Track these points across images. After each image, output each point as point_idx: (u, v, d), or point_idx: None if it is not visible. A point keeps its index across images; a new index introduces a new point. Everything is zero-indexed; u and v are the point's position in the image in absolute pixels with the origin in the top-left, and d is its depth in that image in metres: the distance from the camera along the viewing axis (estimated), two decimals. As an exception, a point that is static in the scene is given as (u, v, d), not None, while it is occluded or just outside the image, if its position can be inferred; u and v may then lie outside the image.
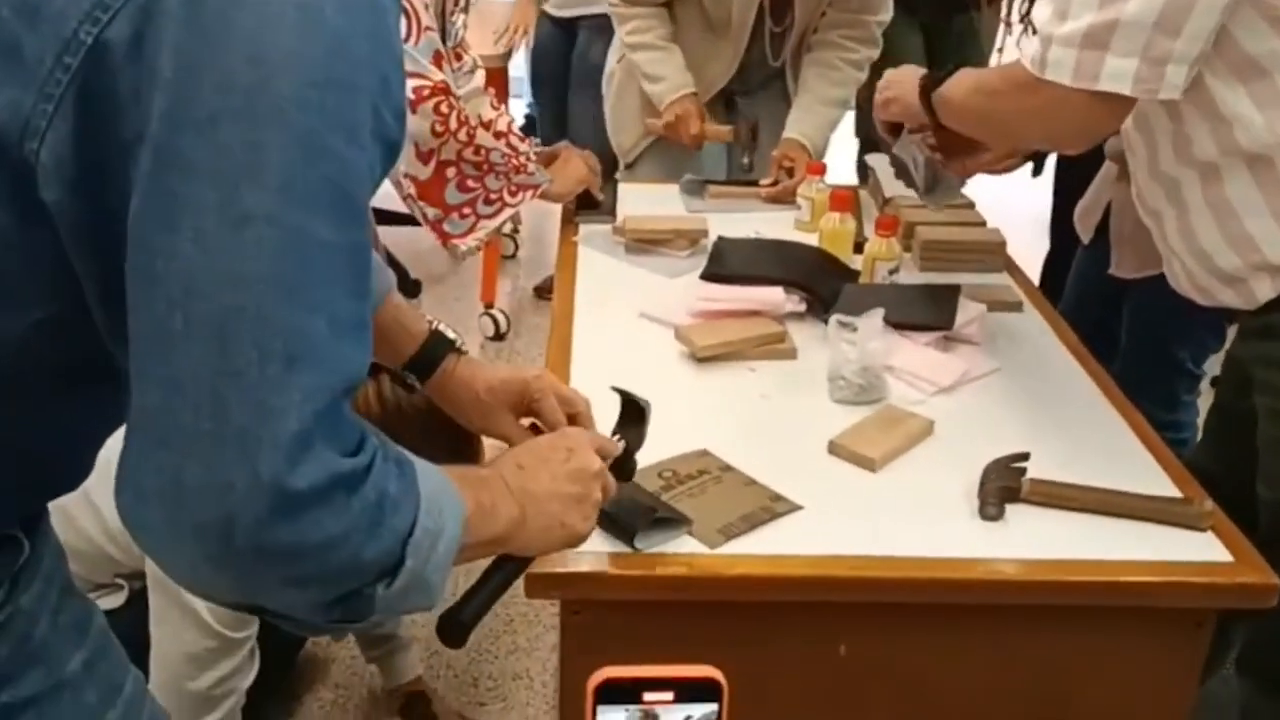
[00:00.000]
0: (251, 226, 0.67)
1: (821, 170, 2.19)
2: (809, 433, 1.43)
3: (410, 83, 1.75)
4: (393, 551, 0.75)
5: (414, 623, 2.10)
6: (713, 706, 0.63)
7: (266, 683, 1.72)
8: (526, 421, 1.19)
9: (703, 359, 1.61)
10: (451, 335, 1.23)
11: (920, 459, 1.41)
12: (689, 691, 0.63)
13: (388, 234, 3.03)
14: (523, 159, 1.95)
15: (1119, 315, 2.22)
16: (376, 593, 0.76)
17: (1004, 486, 1.31)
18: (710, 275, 1.82)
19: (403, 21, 1.74)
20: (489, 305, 3.60)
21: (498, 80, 3.45)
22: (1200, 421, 2.15)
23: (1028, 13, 1.99)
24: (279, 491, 0.68)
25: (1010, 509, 1.30)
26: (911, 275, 1.92)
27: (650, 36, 2.38)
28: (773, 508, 1.28)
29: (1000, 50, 3.25)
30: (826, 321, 1.57)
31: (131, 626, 1.53)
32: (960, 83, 1.51)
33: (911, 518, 1.29)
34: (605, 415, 1.25)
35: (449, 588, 0.84)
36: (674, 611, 1.21)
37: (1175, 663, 1.27)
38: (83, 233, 0.71)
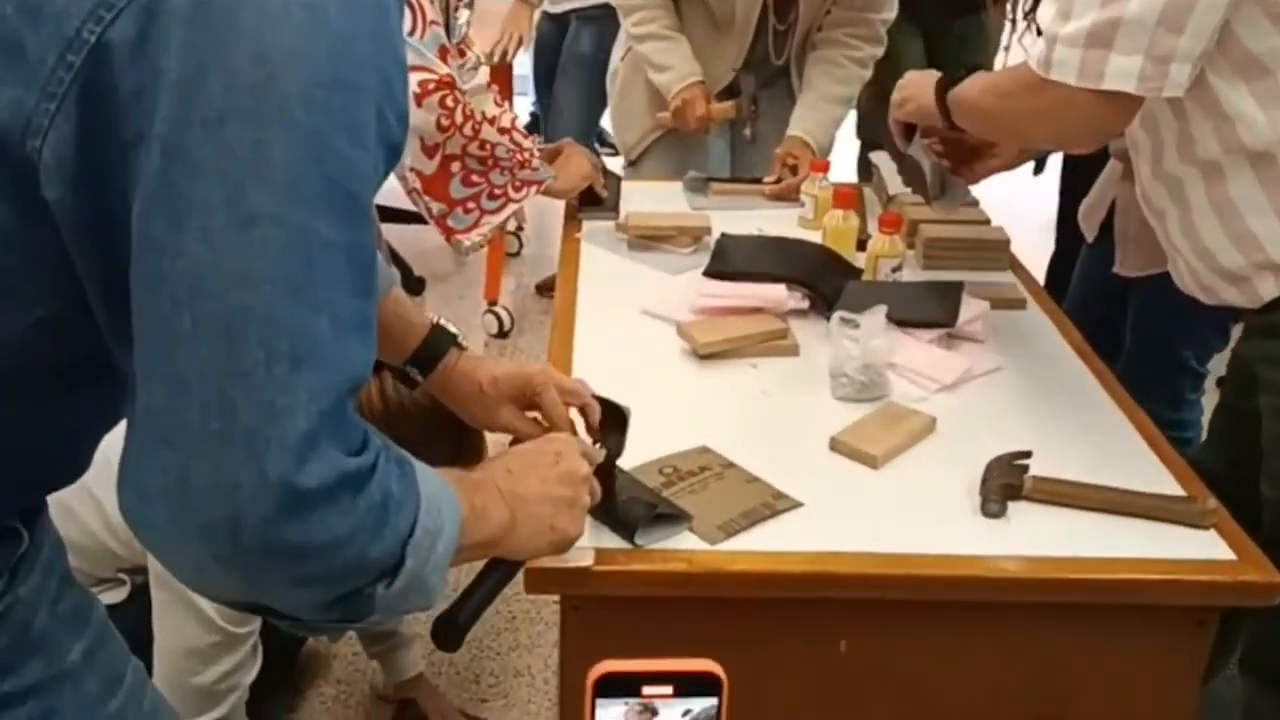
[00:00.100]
0: (258, 226, 0.67)
1: (825, 168, 2.18)
2: (811, 430, 1.43)
3: (416, 76, 1.74)
4: (394, 551, 0.76)
5: (416, 620, 2.09)
6: (712, 701, 0.63)
7: (269, 678, 1.72)
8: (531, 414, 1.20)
9: (705, 356, 1.61)
10: (453, 330, 1.23)
11: (922, 456, 1.41)
12: (688, 685, 0.63)
13: (392, 231, 3.04)
14: (527, 154, 1.95)
15: (1123, 314, 2.22)
16: (377, 592, 0.76)
17: (1006, 484, 1.30)
18: (713, 272, 1.82)
19: (408, 15, 1.74)
20: (493, 303, 3.60)
21: (502, 78, 3.46)
22: (1205, 421, 2.15)
23: (1031, 9, 1.99)
24: (286, 491, 0.68)
25: (1012, 506, 1.29)
26: (915, 273, 1.91)
27: (656, 27, 2.38)
28: (774, 504, 1.28)
29: (1007, 49, 3.24)
30: (829, 319, 1.57)
31: (134, 621, 1.54)
32: (973, 84, 1.52)
33: (913, 515, 1.29)
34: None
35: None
36: (674, 608, 1.21)
37: (1178, 662, 1.27)
38: (84, 231, 0.72)
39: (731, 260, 1.85)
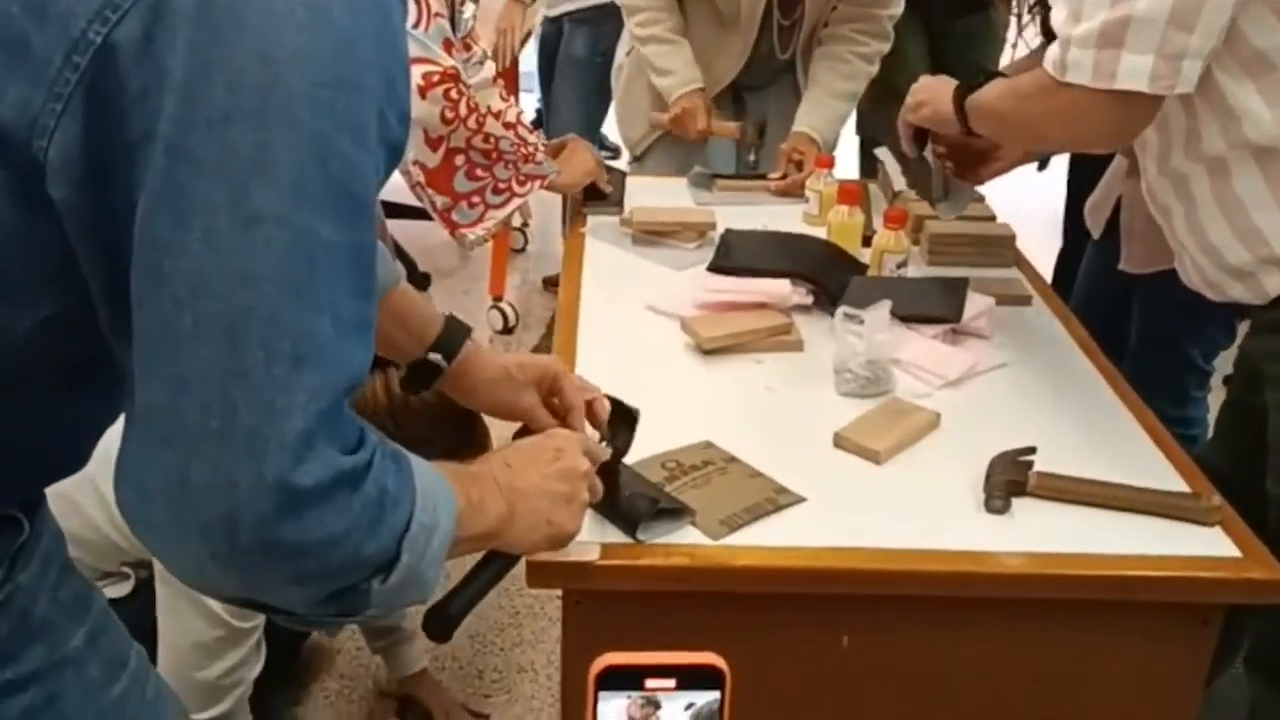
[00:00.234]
0: (261, 226, 0.68)
1: (830, 163, 2.18)
2: (814, 425, 1.43)
3: (420, 69, 1.74)
4: (389, 547, 0.76)
5: (419, 615, 2.10)
6: (715, 694, 0.63)
7: (272, 673, 1.72)
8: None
9: (709, 351, 1.61)
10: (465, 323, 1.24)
11: (926, 452, 1.40)
12: (691, 679, 0.62)
13: (397, 227, 3.04)
14: (531, 149, 1.95)
15: (1129, 311, 2.21)
16: (373, 587, 0.77)
17: (1010, 480, 1.30)
18: (717, 267, 1.82)
19: (412, 7, 1.74)
20: (498, 298, 3.61)
21: (508, 74, 3.46)
22: (1210, 418, 2.14)
23: (1032, 6, 1.98)
24: (284, 490, 0.69)
25: (1016, 503, 1.29)
26: (920, 268, 1.91)
27: (659, 29, 2.38)
28: (776, 499, 1.28)
29: (1014, 46, 3.23)
30: (833, 314, 1.57)
31: (138, 615, 1.54)
32: (990, 89, 1.52)
33: (916, 511, 1.28)
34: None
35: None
36: (676, 602, 1.21)
37: (1182, 659, 1.26)
38: (89, 230, 0.72)
39: (736, 256, 1.85)
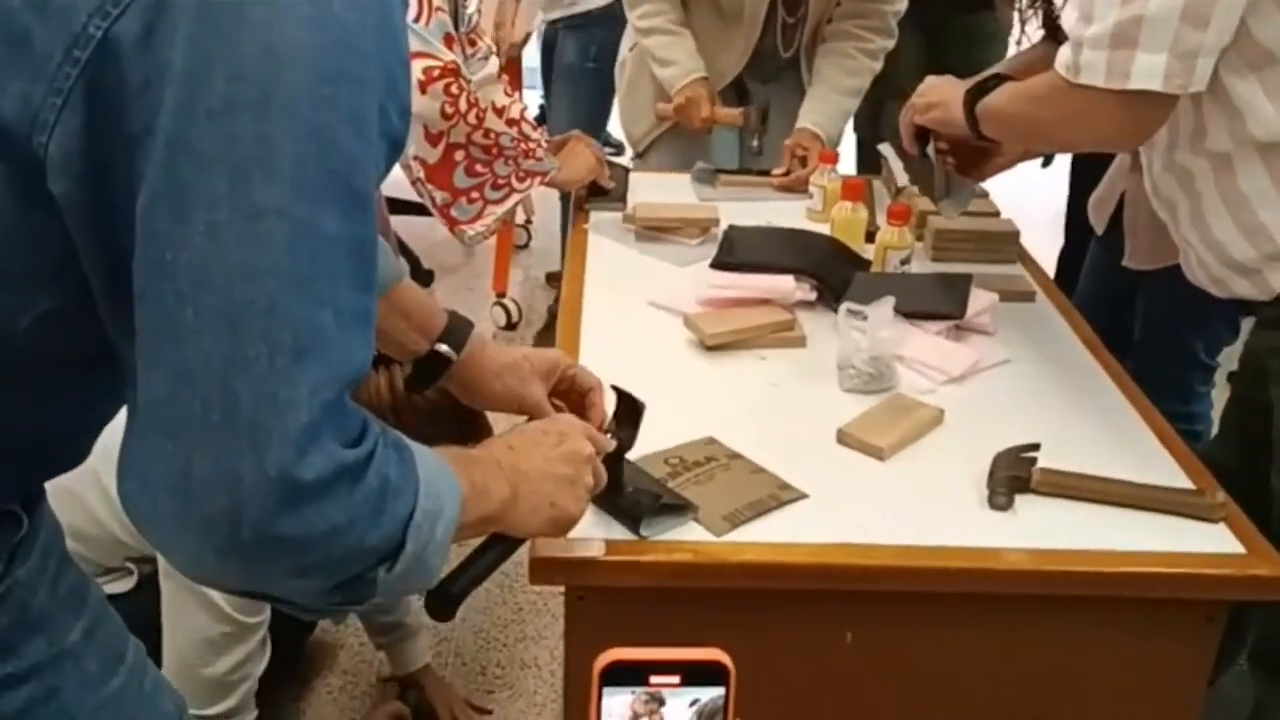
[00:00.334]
0: (263, 219, 0.68)
1: (834, 159, 2.18)
2: (817, 421, 1.42)
3: (420, 63, 1.74)
4: (394, 536, 0.76)
5: (422, 610, 2.10)
6: (720, 690, 0.63)
7: (275, 669, 1.73)
8: None
9: (712, 347, 1.60)
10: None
11: (929, 448, 1.40)
12: (696, 674, 0.62)
13: (401, 224, 3.04)
14: (532, 145, 1.94)
15: (1132, 307, 2.20)
16: (378, 576, 0.77)
17: (1014, 476, 1.30)
18: (720, 263, 1.81)
19: (414, 2, 1.73)
20: (501, 295, 3.61)
21: (511, 70, 3.46)
22: (1214, 414, 2.14)
23: (1031, 3, 1.98)
24: (286, 483, 0.69)
25: (1020, 499, 1.29)
26: (923, 265, 1.91)
27: (661, 20, 2.37)
28: (780, 495, 1.27)
29: (1019, 43, 3.22)
30: (837, 310, 1.56)
31: (141, 611, 1.54)
32: (1001, 93, 1.51)
33: (920, 507, 1.28)
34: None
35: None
36: (679, 598, 1.21)
37: (1186, 656, 1.26)
38: (90, 225, 0.72)
39: (739, 252, 1.84)
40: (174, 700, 1.06)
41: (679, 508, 1.23)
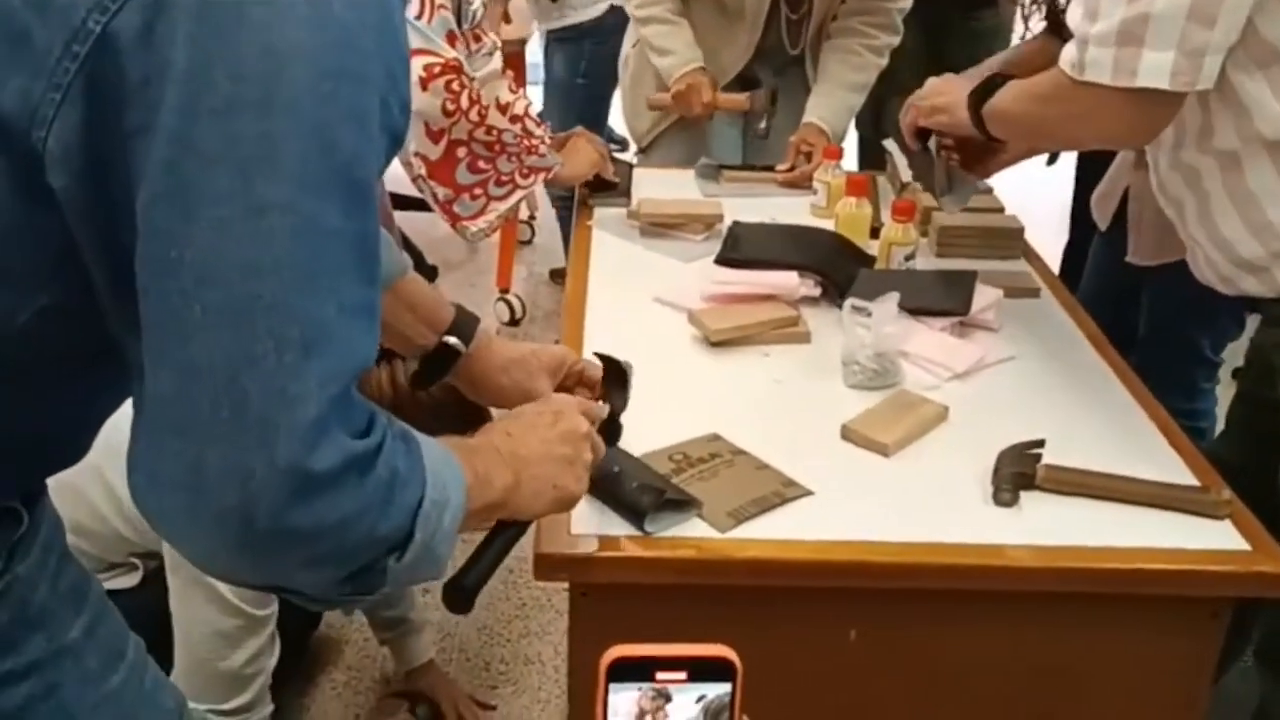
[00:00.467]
0: (268, 216, 0.68)
1: (838, 155, 2.17)
2: (822, 417, 1.42)
3: (421, 60, 1.74)
4: (403, 526, 0.77)
5: (427, 606, 2.10)
6: (726, 687, 0.63)
7: (281, 665, 1.72)
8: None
9: (716, 343, 1.60)
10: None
11: (934, 445, 1.40)
12: (702, 671, 0.62)
13: (404, 219, 3.04)
14: (535, 141, 1.94)
15: (1137, 303, 2.20)
16: (389, 565, 0.78)
17: (1019, 473, 1.29)
18: (725, 259, 1.81)
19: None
20: (504, 290, 3.60)
21: (515, 66, 3.44)
22: (1219, 410, 2.13)
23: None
24: (298, 476, 0.69)
25: (1025, 496, 1.28)
26: (928, 261, 1.90)
27: (659, 10, 2.37)
28: (784, 492, 1.27)
29: (1023, 37, 3.21)
30: (841, 306, 1.56)
31: (147, 606, 1.54)
32: (1006, 94, 1.50)
33: (924, 504, 1.28)
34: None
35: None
36: (683, 595, 1.21)
37: (1191, 652, 1.26)
38: (89, 221, 0.72)
39: (743, 248, 1.84)
40: (175, 697, 1.06)
41: (683, 504, 1.23)
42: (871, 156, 3.02)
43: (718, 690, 0.62)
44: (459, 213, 1.94)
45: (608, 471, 1.22)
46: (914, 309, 1.62)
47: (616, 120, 3.41)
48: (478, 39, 1.96)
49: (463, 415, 1.37)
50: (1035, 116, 1.45)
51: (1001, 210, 2.09)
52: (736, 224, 1.94)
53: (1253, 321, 1.68)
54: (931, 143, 1.73)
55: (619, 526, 1.21)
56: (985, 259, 1.92)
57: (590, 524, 1.21)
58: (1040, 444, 1.34)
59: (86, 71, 0.69)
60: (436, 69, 1.77)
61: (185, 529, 0.72)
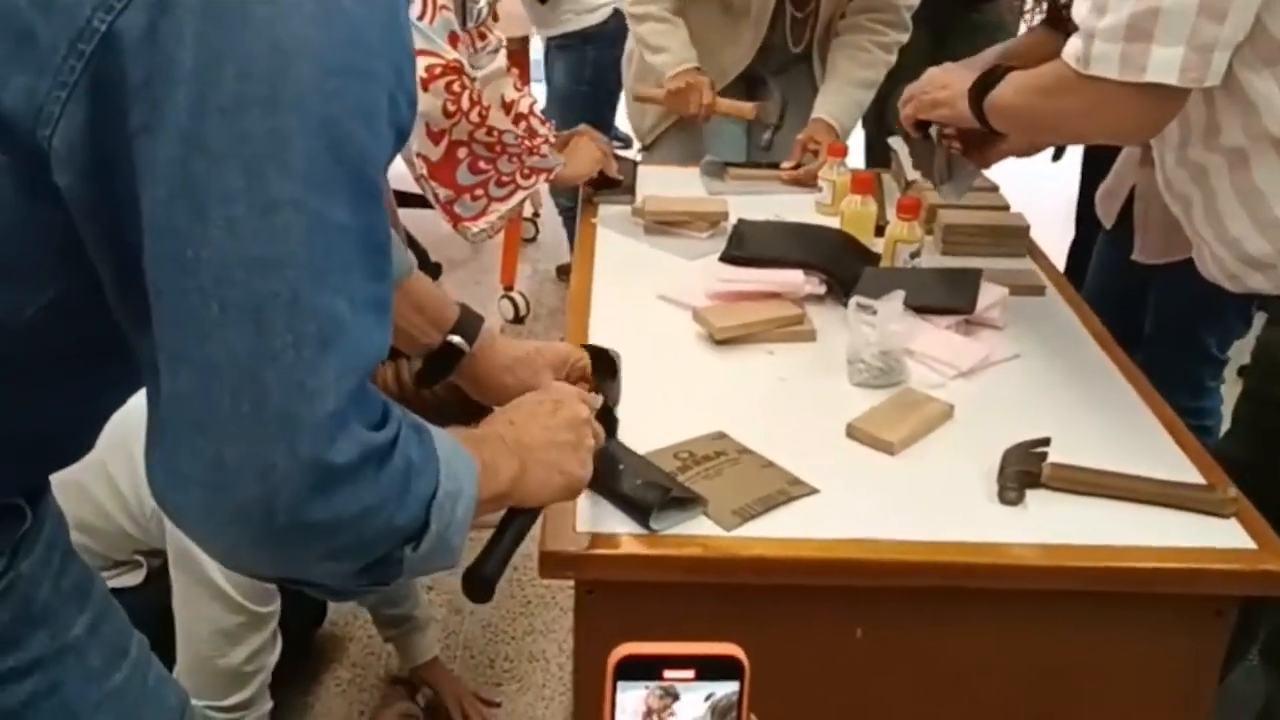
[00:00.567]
0: (279, 212, 0.69)
1: (843, 152, 2.17)
2: (827, 416, 1.42)
3: (423, 61, 1.74)
4: (418, 516, 0.78)
5: (431, 603, 2.10)
6: (734, 685, 0.62)
7: (284, 662, 1.72)
8: None
9: (721, 341, 1.60)
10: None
11: (939, 443, 1.40)
12: (711, 669, 0.62)
13: (409, 216, 3.04)
14: (537, 141, 1.94)
15: (1142, 302, 2.19)
16: (405, 556, 0.79)
17: (1024, 471, 1.29)
18: (730, 257, 1.81)
19: (417, 0, 1.73)
20: (509, 288, 3.60)
21: (519, 63, 3.43)
22: (1224, 408, 2.13)
23: None
24: (319, 468, 0.70)
25: (1030, 494, 1.28)
26: (933, 258, 1.90)
27: (655, 8, 2.36)
28: (789, 490, 1.27)
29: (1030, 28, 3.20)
30: (846, 304, 1.56)
31: (150, 604, 1.54)
32: (1007, 87, 1.49)
33: (930, 502, 1.28)
34: (625, 407, 1.26)
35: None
36: (688, 593, 1.21)
37: (1196, 651, 1.26)
38: (95, 218, 0.72)
39: (748, 245, 1.84)
40: (178, 695, 1.06)
41: (688, 502, 1.23)
42: (877, 154, 3.01)
43: (726, 689, 0.62)
44: (460, 214, 1.94)
45: (613, 469, 1.22)
46: (919, 307, 1.61)
47: (620, 119, 3.40)
48: (483, 36, 1.96)
49: (466, 413, 1.37)
50: (1038, 109, 1.45)
51: (1007, 208, 2.09)
52: (741, 222, 1.94)
53: (1259, 319, 1.68)
54: (933, 131, 1.72)
55: (624, 524, 1.21)
56: (990, 257, 1.92)
57: (596, 522, 1.21)
58: (1046, 442, 1.33)
59: (92, 70, 0.69)
60: (438, 70, 1.77)
61: (206, 525, 0.73)
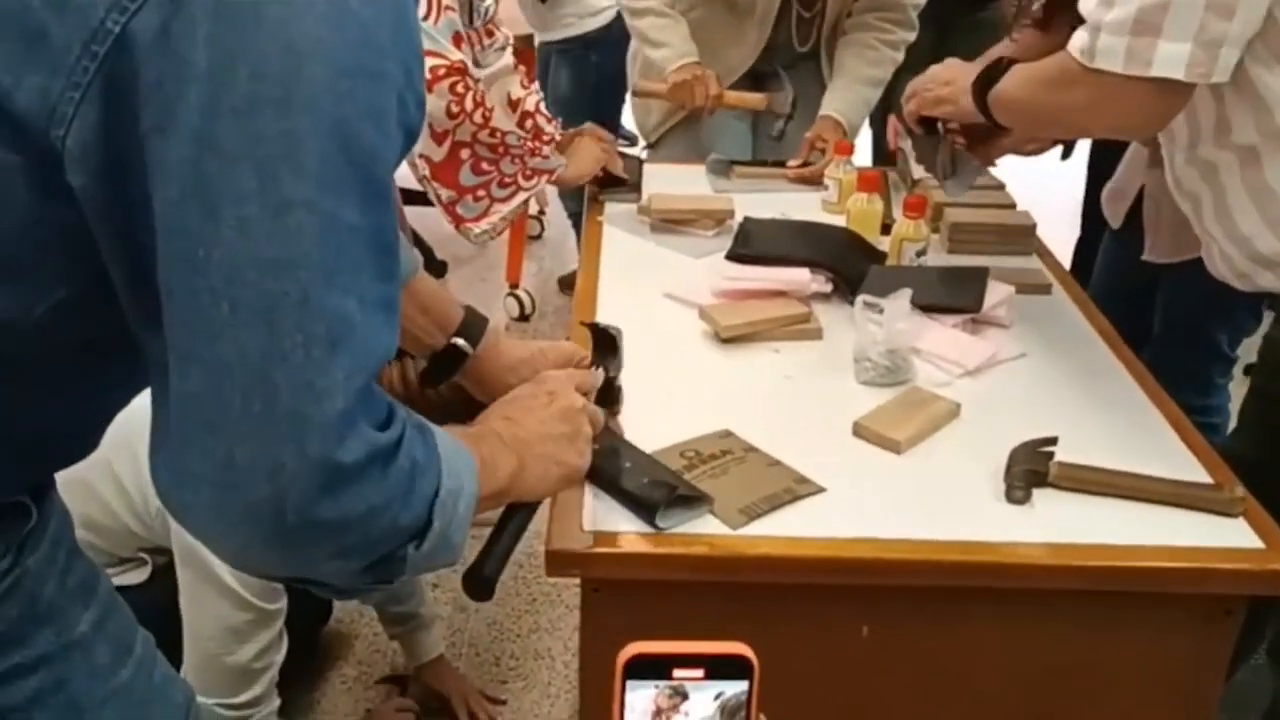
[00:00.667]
0: (291, 213, 0.69)
1: (849, 150, 2.17)
2: (834, 414, 1.42)
3: (427, 61, 1.74)
4: (422, 515, 0.79)
5: (436, 601, 2.11)
6: (743, 684, 0.62)
7: (291, 660, 1.73)
8: None
9: (727, 339, 1.60)
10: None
11: (946, 442, 1.40)
12: (720, 668, 0.62)
13: (415, 215, 3.04)
14: (540, 143, 1.94)
15: (1149, 301, 2.19)
16: (408, 554, 0.80)
17: (1031, 470, 1.29)
18: (736, 255, 1.81)
19: (422, 1, 1.73)
20: (514, 286, 3.60)
21: (527, 60, 3.42)
22: (1232, 406, 2.12)
23: None
24: (328, 468, 0.71)
25: (1037, 493, 1.28)
26: (939, 257, 1.90)
27: (655, 3, 2.35)
28: (796, 489, 1.27)
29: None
30: (853, 303, 1.56)
31: (156, 602, 1.55)
32: (1011, 80, 1.48)
33: (936, 501, 1.28)
34: (631, 406, 1.25)
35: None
36: (694, 592, 1.21)
37: (1204, 650, 1.25)
38: (108, 219, 0.73)
39: (754, 243, 1.84)
40: (184, 692, 1.07)
41: (695, 500, 1.23)
42: (883, 152, 3.01)
43: (735, 688, 0.62)
44: (462, 214, 1.94)
45: (619, 467, 1.22)
46: (926, 305, 1.61)
47: (625, 117, 3.38)
48: (490, 33, 1.95)
49: (470, 413, 1.37)
50: (1042, 103, 1.44)
51: (1013, 206, 2.09)
52: (747, 220, 1.94)
53: (1267, 317, 1.67)
54: (939, 127, 1.72)
55: (631, 523, 1.20)
56: (997, 255, 1.91)
57: (602, 520, 1.21)
58: (1053, 441, 1.33)
59: (105, 71, 0.69)
60: (442, 71, 1.77)
61: (215, 524, 0.73)
